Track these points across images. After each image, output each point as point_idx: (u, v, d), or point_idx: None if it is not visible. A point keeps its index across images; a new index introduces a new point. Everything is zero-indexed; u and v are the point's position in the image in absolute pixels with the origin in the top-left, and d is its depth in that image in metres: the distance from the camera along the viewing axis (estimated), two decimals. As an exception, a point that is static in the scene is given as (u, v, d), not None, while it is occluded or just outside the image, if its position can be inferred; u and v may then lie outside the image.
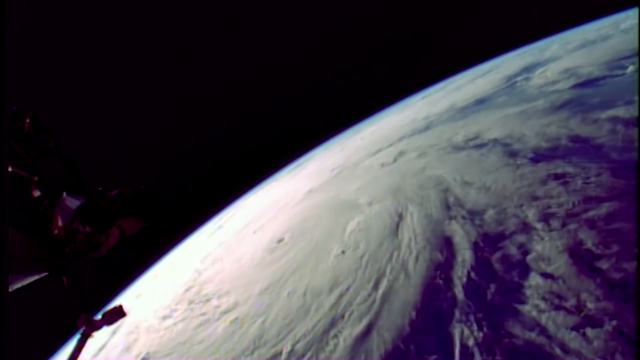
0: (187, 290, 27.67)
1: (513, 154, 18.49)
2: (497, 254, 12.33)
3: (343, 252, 18.33)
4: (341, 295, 14.99)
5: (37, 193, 2.81)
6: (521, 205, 14.06)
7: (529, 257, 11.50)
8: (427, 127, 34.95)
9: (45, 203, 2.78)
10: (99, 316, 2.99)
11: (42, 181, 2.86)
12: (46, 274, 2.64)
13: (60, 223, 2.71)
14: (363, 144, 47.39)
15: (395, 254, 15.56)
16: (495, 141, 21.43)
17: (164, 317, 24.48)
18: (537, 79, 32.24)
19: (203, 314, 21.31)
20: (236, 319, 18.37)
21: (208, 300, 22.91)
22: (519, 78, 36.18)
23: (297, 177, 52.46)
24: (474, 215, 15.18)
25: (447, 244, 14.37)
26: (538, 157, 17.01)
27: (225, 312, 19.86)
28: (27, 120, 2.75)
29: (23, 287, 2.51)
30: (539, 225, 12.55)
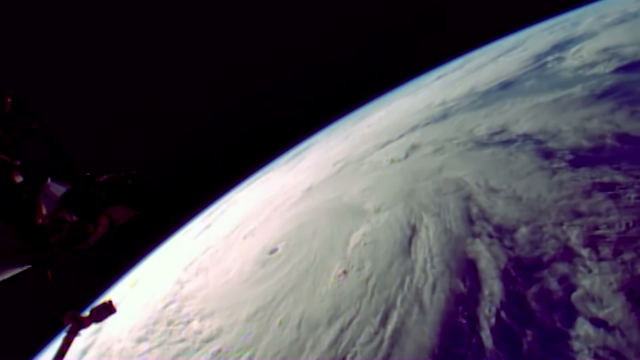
0: (166, 306, 26.69)
1: (548, 155, 17.13)
2: (534, 288, 11.08)
3: (345, 272, 17.14)
4: (342, 331, 13.82)
5: (19, 179, 2.80)
6: (561, 224, 12.75)
7: (574, 295, 10.22)
8: (444, 116, 33.51)
9: (28, 190, 2.75)
10: (86, 313, 2.96)
11: (24, 166, 2.83)
12: (29, 266, 2.60)
13: (44, 211, 2.69)
14: (370, 132, 46.12)
15: (407, 280, 14.33)
16: (525, 137, 20.04)
17: (139, 340, 23.52)
18: (571, 59, 30.65)
19: (182, 340, 20.27)
20: (219, 351, 17.29)
21: (189, 322, 21.86)
22: (550, 58, 34.61)
23: (296, 170, 51.27)
24: (502, 233, 13.90)
25: (470, 270, 13.11)
26: (579, 159, 15.65)
27: (208, 340, 18.77)
28: (8, 100, 2.76)
29: (4, 281, 2.46)
30: (584, 252, 11.25)
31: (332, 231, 21.96)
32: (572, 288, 10.44)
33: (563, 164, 15.82)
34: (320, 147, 58.95)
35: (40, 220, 2.62)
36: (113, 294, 47.56)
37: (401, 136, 34.44)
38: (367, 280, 15.67)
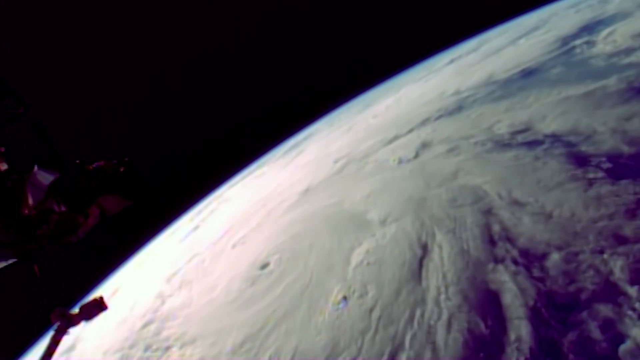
0: (145, 325, 25.79)
1: (581, 161, 15.95)
2: (570, 335, 9.96)
3: (345, 298, 16.09)
4: (341, 375, 12.79)
5: (4, 166, 2.78)
6: (601, 251, 11.60)
7: (622, 349, 9.10)
8: (459, 108, 32.30)
9: (13, 178, 2.73)
10: (75, 310, 3.01)
11: (9, 152, 2.84)
12: (15, 260, 2.60)
13: (31, 201, 2.69)
14: (375, 124, 45.09)
15: (417, 313, 13.25)
16: (554, 138, 18.84)
17: (114, 367, 22.67)
18: (603, 44, 29.29)
19: (160, 372, 19.34)
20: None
21: (168, 349, 20.90)
22: (578, 41, 33.22)
23: (293, 166, 50.25)
24: (530, 259, 12.77)
25: (492, 306, 12.01)
26: (619, 169, 14.46)
27: (188, 375, 17.84)
28: None
29: None
30: (632, 291, 10.12)
31: (331, 245, 20.91)
32: (619, 338, 9.31)
33: (600, 174, 14.65)
34: (320, 139, 57.94)
35: (26, 211, 2.64)
36: (103, 291, 46.95)
37: (410, 131, 33.32)
38: (371, 310, 14.61)
